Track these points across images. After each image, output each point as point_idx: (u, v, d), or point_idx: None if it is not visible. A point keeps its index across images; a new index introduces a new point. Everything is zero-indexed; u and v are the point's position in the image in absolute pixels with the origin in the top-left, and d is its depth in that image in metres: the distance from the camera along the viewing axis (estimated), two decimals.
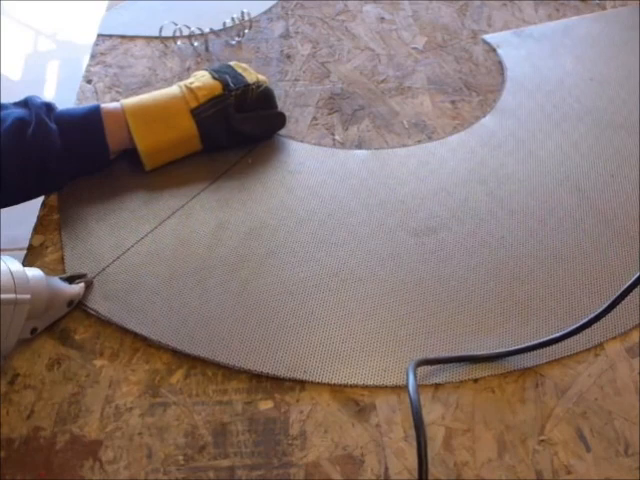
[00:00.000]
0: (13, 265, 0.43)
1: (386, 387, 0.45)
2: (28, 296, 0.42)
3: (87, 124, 0.55)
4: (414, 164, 0.61)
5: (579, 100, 0.67)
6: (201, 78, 0.59)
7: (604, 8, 0.80)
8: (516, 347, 0.45)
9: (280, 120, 0.63)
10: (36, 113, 0.53)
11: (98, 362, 0.46)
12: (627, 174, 0.59)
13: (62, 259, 0.52)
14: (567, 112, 0.66)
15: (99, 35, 0.78)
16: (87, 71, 0.72)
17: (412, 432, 0.42)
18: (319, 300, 0.50)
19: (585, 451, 0.41)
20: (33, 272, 0.44)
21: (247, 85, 0.59)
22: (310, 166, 0.61)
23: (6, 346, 0.43)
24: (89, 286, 0.51)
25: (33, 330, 0.46)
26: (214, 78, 0.59)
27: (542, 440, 0.42)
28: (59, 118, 0.54)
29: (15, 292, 0.41)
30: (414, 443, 0.42)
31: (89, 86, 0.70)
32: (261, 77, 0.62)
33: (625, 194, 0.57)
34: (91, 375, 0.46)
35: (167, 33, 0.75)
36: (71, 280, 0.49)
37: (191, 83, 0.59)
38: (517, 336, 0.47)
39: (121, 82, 0.71)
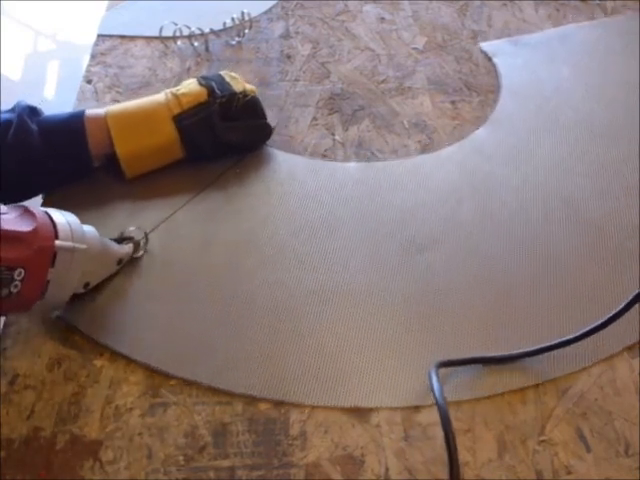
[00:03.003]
0: (70, 216, 0.45)
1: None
2: (85, 246, 0.44)
3: (68, 127, 0.55)
4: (405, 176, 0.59)
5: (575, 111, 0.66)
6: (188, 85, 0.59)
7: (604, 8, 0.80)
8: (529, 349, 0.45)
9: (266, 131, 0.62)
10: (18, 114, 0.53)
11: (98, 362, 0.46)
12: (623, 187, 0.57)
13: None
14: (563, 123, 0.64)
15: (99, 35, 0.78)
16: (87, 71, 0.72)
17: (412, 432, 0.42)
18: (308, 316, 0.48)
19: (585, 451, 0.41)
20: (88, 227, 0.46)
21: (233, 93, 0.59)
22: (299, 178, 0.59)
23: (61, 297, 0.45)
24: (137, 247, 0.52)
25: (86, 285, 0.47)
26: (201, 85, 0.58)
27: (542, 440, 0.42)
28: (42, 121, 0.54)
29: (73, 240, 0.43)
30: (414, 443, 0.42)
31: (89, 86, 0.70)
32: (249, 87, 0.61)
33: (620, 207, 0.56)
34: (91, 375, 0.45)
35: (167, 33, 0.75)
36: (119, 242, 0.51)
37: (177, 90, 0.58)
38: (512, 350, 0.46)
39: (121, 82, 0.71)
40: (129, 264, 0.52)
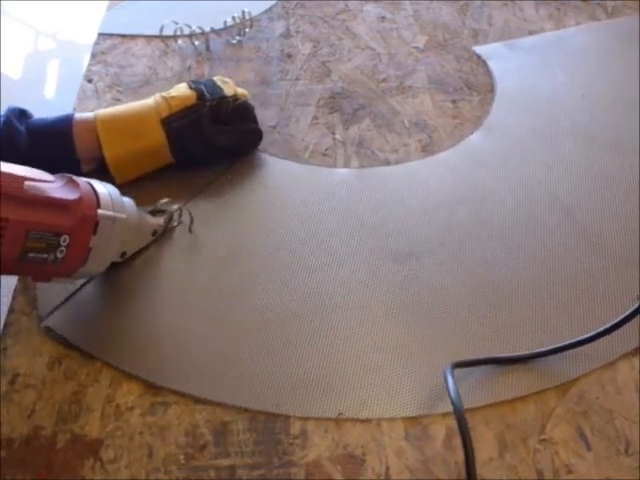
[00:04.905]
0: (110, 187, 0.47)
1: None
2: (124, 215, 0.46)
3: (55, 129, 0.55)
4: (396, 184, 0.58)
5: (571, 116, 0.65)
6: (178, 89, 0.59)
7: (605, 8, 0.80)
8: (541, 349, 0.45)
9: (257, 135, 0.61)
10: (6, 116, 0.53)
11: (98, 361, 0.46)
12: (623, 192, 0.56)
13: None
14: (558, 130, 0.63)
15: (100, 34, 0.78)
16: (88, 70, 0.72)
17: (413, 431, 0.42)
18: (298, 328, 0.48)
19: (586, 450, 0.41)
20: (126, 198, 0.48)
21: (223, 97, 0.58)
22: (291, 185, 0.59)
23: (101, 264, 0.47)
24: (170, 220, 0.54)
25: (123, 254, 0.50)
26: (190, 88, 0.58)
27: (543, 439, 0.42)
28: (30, 123, 0.55)
29: (113, 210, 0.45)
30: (415, 443, 0.42)
31: (90, 85, 0.70)
32: (241, 91, 0.61)
33: (615, 216, 0.55)
34: (92, 374, 0.45)
35: (168, 32, 0.75)
36: (153, 214, 0.53)
37: (167, 93, 0.58)
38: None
39: (122, 81, 0.71)
40: (162, 235, 0.54)
